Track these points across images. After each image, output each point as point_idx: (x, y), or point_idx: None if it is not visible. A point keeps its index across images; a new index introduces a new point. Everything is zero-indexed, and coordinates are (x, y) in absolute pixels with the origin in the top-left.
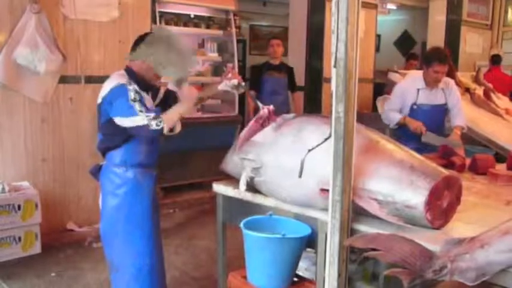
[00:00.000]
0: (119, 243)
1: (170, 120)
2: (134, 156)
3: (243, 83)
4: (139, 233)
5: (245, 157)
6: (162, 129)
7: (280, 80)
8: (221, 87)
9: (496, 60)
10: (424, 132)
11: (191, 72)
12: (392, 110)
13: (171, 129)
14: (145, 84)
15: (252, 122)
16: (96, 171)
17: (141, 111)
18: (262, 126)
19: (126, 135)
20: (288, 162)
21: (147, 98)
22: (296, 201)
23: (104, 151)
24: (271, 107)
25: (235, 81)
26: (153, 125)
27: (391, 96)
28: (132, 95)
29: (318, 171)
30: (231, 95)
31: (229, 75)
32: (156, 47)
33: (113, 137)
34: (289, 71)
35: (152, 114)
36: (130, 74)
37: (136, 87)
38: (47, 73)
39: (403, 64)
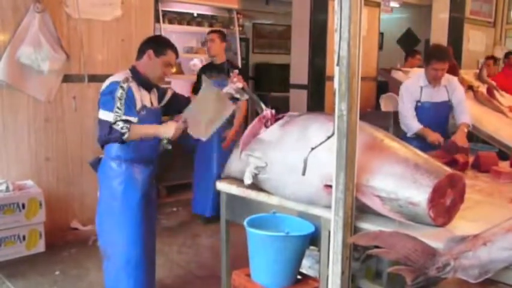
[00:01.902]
0: (110, 233)
1: (137, 133)
2: (128, 151)
3: (248, 89)
4: (129, 224)
5: (251, 154)
6: (123, 134)
7: (218, 83)
8: (226, 89)
9: None
10: (442, 143)
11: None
12: (410, 115)
13: (169, 142)
14: (148, 83)
15: (255, 122)
16: (96, 163)
17: (118, 108)
18: (266, 126)
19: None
20: (293, 159)
21: (146, 95)
22: (300, 198)
23: (102, 144)
24: (273, 110)
25: (239, 84)
26: (119, 125)
27: (400, 99)
28: (119, 92)
29: (321, 168)
30: None
31: (235, 79)
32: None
33: (99, 133)
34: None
35: (125, 117)
36: (135, 73)
37: (135, 84)
38: (50, 72)
39: (403, 62)
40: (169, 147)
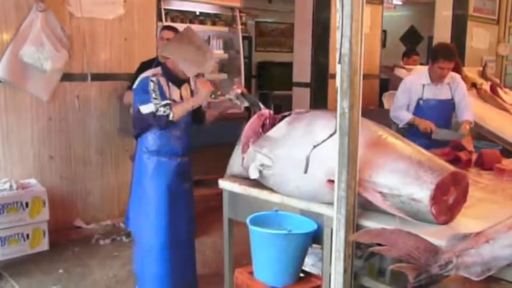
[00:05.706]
0: (139, 220)
1: (179, 110)
2: (153, 144)
3: (247, 94)
4: (153, 213)
5: (260, 151)
6: (167, 115)
7: None
8: (227, 96)
9: None
10: (434, 130)
11: (209, 69)
12: (400, 108)
13: (202, 121)
14: (178, 79)
15: (253, 119)
16: (134, 156)
17: (155, 98)
18: (264, 124)
19: (141, 126)
20: (297, 155)
21: (175, 90)
22: (303, 193)
23: (136, 137)
24: (271, 111)
25: (238, 90)
26: (160, 111)
27: (397, 93)
28: (152, 85)
29: (326, 162)
30: None
31: (235, 86)
32: (180, 44)
33: (133, 126)
34: None
35: (163, 102)
36: (165, 70)
37: (164, 79)
38: (53, 71)
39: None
40: (216, 96)
